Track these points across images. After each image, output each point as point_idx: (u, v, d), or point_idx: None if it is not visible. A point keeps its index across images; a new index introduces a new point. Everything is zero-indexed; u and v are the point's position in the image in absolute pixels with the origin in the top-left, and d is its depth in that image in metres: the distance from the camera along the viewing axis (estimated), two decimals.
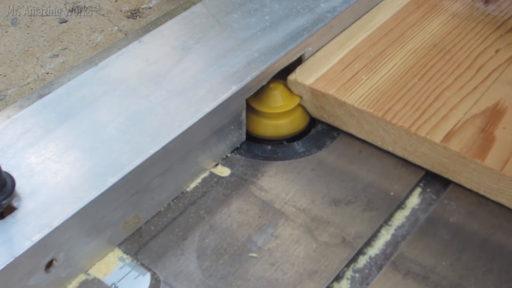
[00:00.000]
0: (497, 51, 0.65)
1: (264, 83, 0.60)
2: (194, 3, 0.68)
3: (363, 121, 0.58)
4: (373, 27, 0.69)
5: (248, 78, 0.58)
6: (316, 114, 0.62)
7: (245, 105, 0.58)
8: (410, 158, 0.57)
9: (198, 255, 0.50)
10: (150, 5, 2.17)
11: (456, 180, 0.55)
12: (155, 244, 0.51)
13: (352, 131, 0.60)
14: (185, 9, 0.68)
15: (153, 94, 0.56)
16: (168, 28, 0.64)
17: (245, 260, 0.50)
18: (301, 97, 0.62)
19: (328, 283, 0.48)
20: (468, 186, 0.54)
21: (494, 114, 0.57)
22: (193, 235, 0.52)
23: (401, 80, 0.61)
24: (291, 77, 0.61)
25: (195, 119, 0.53)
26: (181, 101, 0.55)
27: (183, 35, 0.63)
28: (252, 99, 0.61)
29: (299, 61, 0.63)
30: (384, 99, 0.59)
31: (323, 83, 0.60)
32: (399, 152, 0.57)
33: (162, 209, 0.54)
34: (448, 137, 0.54)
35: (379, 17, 0.71)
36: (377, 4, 0.73)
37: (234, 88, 0.56)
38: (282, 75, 0.62)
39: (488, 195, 0.53)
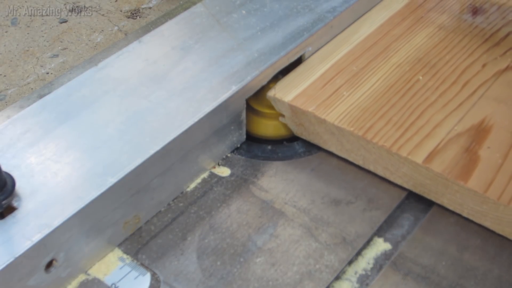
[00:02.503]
0: (484, 66, 0.63)
1: (264, 83, 0.60)
2: (194, 3, 0.68)
3: (343, 140, 0.56)
4: (357, 40, 0.67)
5: (248, 78, 0.58)
6: (297, 131, 0.60)
7: (245, 105, 0.58)
8: (392, 178, 0.55)
9: (198, 255, 0.50)
10: (150, 5, 2.17)
11: (438, 202, 0.53)
12: (155, 244, 0.51)
13: (332, 149, 0.58)
14: (185, 9, 0.68)
15: (153, 94, 0.56)
16: (168, 28, 0.64)
17: (245, 260, 0.50)
18: (281, 115, 0.60)
19: (328, 283, 0.48)
20: (451, 208, 0.52)
21: (479, 133, 0.55)
22: (193, 235, 0.52)
23: (384, 96, 0.59)
24: (270, 93, 0.59)
25: (195, 119, 0.53)
26: (181, 101, 0.55)
27: (183, 35, 0.63)
28: (252, 99, 0.61)
29: (299, 61, 0.63)
30: (366, 116, 0.56)
31: (303, 100, 0.58)
32: (380, 172, 0.55)
33: (162, 209, 0.54)
34: (430, 157, 0.52)
35: (363, 30, 0.68)
36: (361, 16, 0.70)
37: (234, 88, 0.56)
38: (282, 75, 0.62)
39: (471, 218, 0.52)
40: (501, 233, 0.50)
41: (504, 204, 0.48)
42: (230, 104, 0.56)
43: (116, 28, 2.06)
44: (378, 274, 0.49)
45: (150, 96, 0.56)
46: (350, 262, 0.49)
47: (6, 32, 2.05)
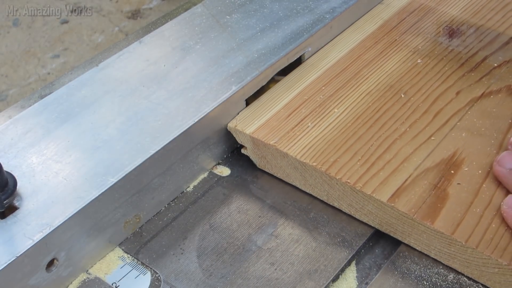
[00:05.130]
0: (458, 93, 0.59)
1: (264, 83, 0.60)
2: (195, 4, 0.68)
3: (306, 174, 0.53)
4: (326, 65, 0.63)
5: (248, 78, 0.58)
6: (259, 164, 0.57)
7: (245, 105, 0.59)
8: (357, 216, 0.52)
9: (198, 255, 0.50)
10: (151, 5, 2.17)
11: (405, 241, 0.50)
12: (155, 243, 0.51)
13: (296, 184, 0.55)
14: (186, 9, 0.68)
15: (153, 94, 0.56)
16: (169, 28, 0.65)
17: (245, 260, 0.50)
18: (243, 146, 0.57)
19: (327, 283, 0.48)
20: (418, 248, 0.49)
21: (449, 168, 0.51)
22: (193, 234, 0.52)
23: (351, 128, 0.55)
24: (232, 124, 0.56)
25: (195, 119, 0.54)
26: (182, 101, 0.55)
27: (184, 35, 0.63)
28: (252, 99, 0.61)
29: (299, 61, 0.64)
30: (330, 149, 0.53)
31: (265, 132, 0.55)
32: (345, 208, 0.52)
33: (163, 209, 0.54)
34: (396, 195, 0.49)
35: (333, 54, 0.64)
36: (332, 40, 0.66)
37: (234, 88, 0.57)
38: (282, 75, 0.62)
39: (439, 259, 0.49)
40: (470, 276, 0.47)
41: (472, 247, 0.45)
42: (230, 104, 0.57)
43: (116, 28, 2.06)
44: (378, 273, 0.49)
45: (150, 96, 0.56)
46: (349, 262, 0.50)
47: (7, 32, 2.05)
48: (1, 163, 0.45)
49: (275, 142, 0.54)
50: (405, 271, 0.49)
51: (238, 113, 0.57)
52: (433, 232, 0.47)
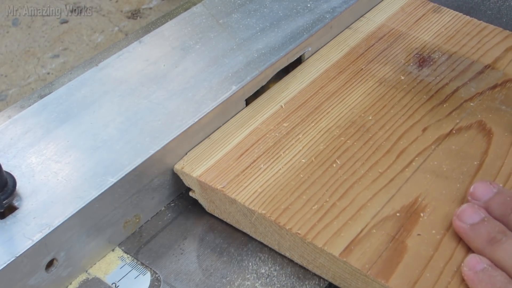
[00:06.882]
0: (424, 130, 0.54)
1: (264, 83, 0.60)
2: (194, 4, 0.68)
3: (256, 222, 0.49)
4: (284, 99, 0.58)
5: (248, 78, 0.58)
6: (208, 208, 0.52)
7: (245, 106, 0.59)
8: (310, 267, 0.48)
9: (198, 255, 0.50)
10: (151, 5, 2.17)
11: None
12: (155, 243, 0.51)
13: (246, 231, 0.50)
14: (185, 9, 0.68)
15: (153, 94, 0.56)
16: (168, 28, 0.64)
17: (245, 260, 0.50)
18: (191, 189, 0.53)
19: (327, 282, 0.48)
20: None
21: (410, 216, 0.47)
22: (193, 234, 0.52)
23: (306, 170, 0.51)
24: (178, 165, 0.52)
25: (195, 119, 0.54)
26: (181, 101, 0.55)
27: (183, 35, 0.63)
28: (252, 99, 0.61)
29: (299, 61, 0.63)
30: (282, 195, 0.48)
31: (214, 174, 0.50)
32: (297, 259, 0.48)
33: (163, 209, 0.54)
34: (350, 247, 0.45)
35: (293, 86, 0.59)
36: (294, 69, 0.62)
37: (234, 88, 0.57)
38: (282, 75, 0.62)
39: None
40: None
41: None
42: (230, 104, 0.57)
43: (116, 28, 2.06)
44: None
45: (150, 96, 0.56)
46: None
47: (7, 32, 2.05)
48: (1, 163, 0.45)
49: (223, 187, 0.49)
50: None
51: (186, 153, 0.53)
52: None
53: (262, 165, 0.51)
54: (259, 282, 0.48)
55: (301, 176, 0.50)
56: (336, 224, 0.46)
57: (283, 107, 0.57)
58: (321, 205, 0.48)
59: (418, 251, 0.45)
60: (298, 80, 0.61)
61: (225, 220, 0.52)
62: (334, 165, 0.51)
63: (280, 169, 0.51)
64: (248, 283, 0.48)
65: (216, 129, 0.55)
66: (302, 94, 0.59)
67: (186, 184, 0.52)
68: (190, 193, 0.53)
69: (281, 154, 0.52)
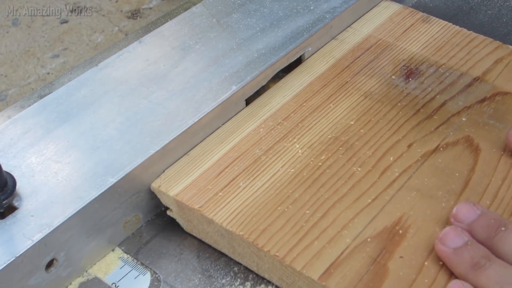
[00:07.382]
0: (410, 146, 0.53)
1: (264, 83, 0.60)
2: (194, 4, 0.68)
3: (234, 243, 0.47)
4: (266, 114, 0.56)
5: (248, 78, 0.58)
6: (186, 227, 0.51)
7: (245, 106, 0.59)
8: None
9: (198, 255, 0.50)
10: (151, 5, 2.17)
11: None
12: (155, 243, 0.51)
13: (225, 251, 0.49)
14: (185, 9, 0.68)
15: (153, 94, 0.56)
16: (168, 28, 0.64)
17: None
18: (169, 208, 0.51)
19: None
20: None
21: (392, 237, 0.45)
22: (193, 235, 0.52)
23: (286, 188, 0.49)
24: (155, 184, 0.50)
25: (195, 119, 0.54)
26: (181, 101, 0.55)
27: (183, 35, 0.63)
28: (252, 99, 0.61)
29: (299, 61, 0.63)
30: (261, 215, 0.47)
31: (192, 193, 0.49)
32: (276, 281, 0.46)
33: (163, 209, 0.54)
34: (329, 271, 0.43)
35: (275, 100, 0.57)
36: (276, 83, 0.60)
37: (234, 88, 0.57)
38: (282, 75, 0.62)
39: None
40: None
41: None
42: (230, 104, 0.57)
43: (116, 28, 2.06)
44: None
45: (150, 96, 0.56)
46: None
47: (7, 32, 2.05)
48: (1, 163, 0.45)
49: (200, 207, 0.48)
50: None
51: (164, 171, 0.52)
52: None
53: (241, 183, 0.50)
54: (259, 282, 0.48)
55: (281, 195, 0.48)
56: (317, 245, 0.45)
57: (265, 122, 0.55)
58: (301, 225, 0.46)
59: (400, 275, 0.43)
60: (281, 94, 0.59)
61: (203, 240, 0.50)
62: (315, 183, 0.49)
63: (259, 187, 0.49)
64: (248, 283, 0.48)
65: (195, 146, 0.54)
66: (284, 109, 0.57)
67: (164, 203, 0.51)
68: (168, 212, 0.51)
69: (261, 172, 0.51)
